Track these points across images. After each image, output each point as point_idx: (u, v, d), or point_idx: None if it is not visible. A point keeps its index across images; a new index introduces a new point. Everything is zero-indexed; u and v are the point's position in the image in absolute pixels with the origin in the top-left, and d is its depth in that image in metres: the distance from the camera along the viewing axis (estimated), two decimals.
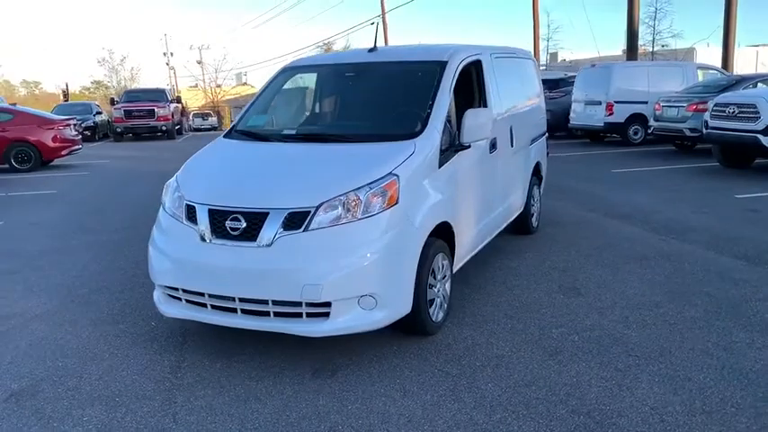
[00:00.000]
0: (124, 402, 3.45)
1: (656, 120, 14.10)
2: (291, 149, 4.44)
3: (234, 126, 4.92)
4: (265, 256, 3.63)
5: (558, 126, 18.71)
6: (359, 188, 3.70)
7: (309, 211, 3.63)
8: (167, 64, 62.59)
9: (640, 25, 26.24)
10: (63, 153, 15.30)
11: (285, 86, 5.27)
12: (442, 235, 4.31)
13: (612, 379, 3.56)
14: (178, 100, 30.03)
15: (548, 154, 7.55)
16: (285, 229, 3.63)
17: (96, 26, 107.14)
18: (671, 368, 3.66)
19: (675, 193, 9.22)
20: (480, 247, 5.22)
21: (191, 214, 3.93)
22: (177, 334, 4.33)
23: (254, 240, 3.66)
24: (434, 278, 4.17)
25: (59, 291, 5.40)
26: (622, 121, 15.86)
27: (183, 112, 30.61)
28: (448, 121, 4.48)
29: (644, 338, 4.10)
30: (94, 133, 25.67)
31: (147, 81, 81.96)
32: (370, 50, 5.16)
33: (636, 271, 5.52)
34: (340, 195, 3.67)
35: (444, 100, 4.47)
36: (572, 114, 17.22)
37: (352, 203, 3.67)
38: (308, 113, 5.39)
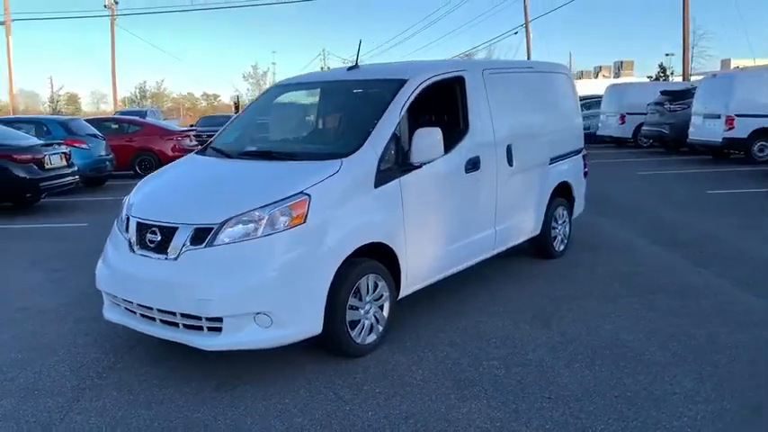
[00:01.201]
0: (38, 396, 3.74)
1: None
2: (233, 166, 4.59)
3: (209, 142, 5.16)
4: (172, 269, 3.79)
5: (679, 141, 17.34)
6: (264, 206, 3.76)
7: (213, 228, 3.74)
8: None
9: None
10: None
11: (272, 103, 5.43)
12: (380, 256, 4.24)
13: (500, 421, 3.31)
14: None
15: (585, 173, 7.07)
16: (191, 244, 3.77)
17: (266, 43, 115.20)
18: (573, 415, 3.33)
19: (758, 220, 8.23)
20: (453, 270, 5.03)
21: (127, 225, 4.20)
22: (133, 338, 4.62)
23: (165, 253, 3.84)
24: (360, 300, 4.10)
25: (78, 290, 5.92)
26: (745, 136, 14.39)
27: None
28: (397, 140, 4.39)
29: (575, 379, 3.75)
30: None
31: None
32: (350, 69, 5.18)
33: (632, 305, 5.03)
34: (245, 213, 3.75)
35: (391, 119, 4.38)
36: (691, 129, 15.86)
37: (257, 221, 3.73)
38: (275, 130, 5.50)
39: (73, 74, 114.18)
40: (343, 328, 3.99)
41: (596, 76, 56.39)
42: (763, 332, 4.39)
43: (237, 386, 3.80)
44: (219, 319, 3.66)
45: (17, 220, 10.03)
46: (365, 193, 4.14)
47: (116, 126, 17.06)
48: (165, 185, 4.54)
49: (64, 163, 11.33)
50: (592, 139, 19.11)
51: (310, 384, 3.80)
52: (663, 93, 18.58)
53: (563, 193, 6.61)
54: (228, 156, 4.82)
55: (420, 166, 4.46)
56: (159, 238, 3.89)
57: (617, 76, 53.48)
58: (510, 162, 5.52)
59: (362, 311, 4.13)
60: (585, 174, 7.08)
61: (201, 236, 3.76)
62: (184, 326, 3.83)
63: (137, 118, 20.23)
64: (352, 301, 4.03)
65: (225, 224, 3.74)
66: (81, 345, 4.56)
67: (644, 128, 18.93)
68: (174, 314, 3.81)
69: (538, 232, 6.24)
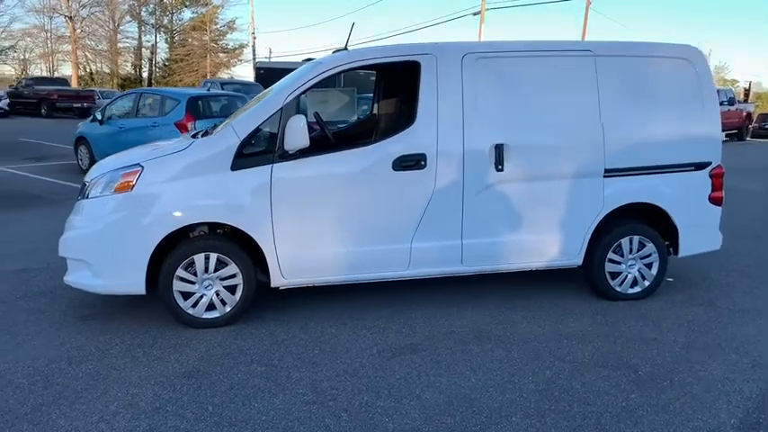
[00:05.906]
0: None
1: None
2: (168, 142, 5.14)
3: None
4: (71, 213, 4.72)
5: None
6: (108, 172, 4.36)
7: (85, 185, 4.51)
8: None
9: None
10: None
11: None
12: (240, 238, 4.34)
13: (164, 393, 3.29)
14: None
15: (715, 198, 5.03)
16: (80, 196, 4.61)
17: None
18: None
19: None
20: (376, 276, 4.61)
21: None
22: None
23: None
24: (194, 275, 4.29)
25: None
26: None
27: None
28: (278, 126, 4.29)
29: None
30: None
31: None
32: (334, 52, 5.06)
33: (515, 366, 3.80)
34: (98, 176, 4.42)
35: (271, 105, 4.33)
36: None
37: (99, 184, 4.35)
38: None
39: None
40: (170, 295, 4.29)
41: None
42: None
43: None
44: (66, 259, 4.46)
45: None
46: (215, 174, 4.24)
47: None
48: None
49: None
50: None
51: (153, 335, 4.30)
52: None
53: (645, 217, 4.98)
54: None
55: (297, 156, 4.29)
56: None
57: None
58: (499, 166, 4.58)
59: (198, 286, 4.32)
60: (715, 199, 5.05)
61: (84, 191, 4.57)
62: None
63: None
64: (183, 273, 4.28)
65: (91, 184, 4.46)
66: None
67: None
68: None
69: (579, 262, 4.92)
